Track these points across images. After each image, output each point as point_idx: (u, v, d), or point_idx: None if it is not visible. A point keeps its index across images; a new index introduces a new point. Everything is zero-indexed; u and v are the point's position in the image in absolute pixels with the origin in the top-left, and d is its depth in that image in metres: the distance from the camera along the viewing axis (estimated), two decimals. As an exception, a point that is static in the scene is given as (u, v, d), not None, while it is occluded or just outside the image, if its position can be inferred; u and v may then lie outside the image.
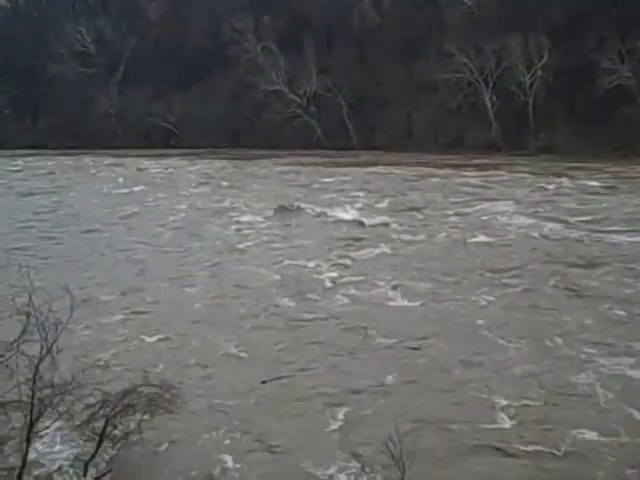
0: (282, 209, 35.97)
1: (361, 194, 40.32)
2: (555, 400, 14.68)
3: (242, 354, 17.84)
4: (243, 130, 74.64)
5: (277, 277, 23.95)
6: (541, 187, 39.40)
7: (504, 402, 14.55)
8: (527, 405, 14.50)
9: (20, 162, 73.44)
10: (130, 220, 37.52)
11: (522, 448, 13.08)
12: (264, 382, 16.28)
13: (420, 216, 33.75)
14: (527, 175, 44.28)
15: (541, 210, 33.05)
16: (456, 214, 33.43)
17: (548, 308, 19.76)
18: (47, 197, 47.61)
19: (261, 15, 77.54)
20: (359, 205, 36.73)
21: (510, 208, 33.53)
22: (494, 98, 60.51)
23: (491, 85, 60.46)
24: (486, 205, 34.73)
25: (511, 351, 17.07)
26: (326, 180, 46.56)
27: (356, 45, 70.99)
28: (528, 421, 13.92)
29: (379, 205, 37.09)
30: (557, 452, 12.90)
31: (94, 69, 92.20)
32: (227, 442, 13.82)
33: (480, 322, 18.82)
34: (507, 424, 13.86)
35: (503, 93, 59.50)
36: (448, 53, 60.42)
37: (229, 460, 13.26)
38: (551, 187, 39.26)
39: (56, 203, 45.11)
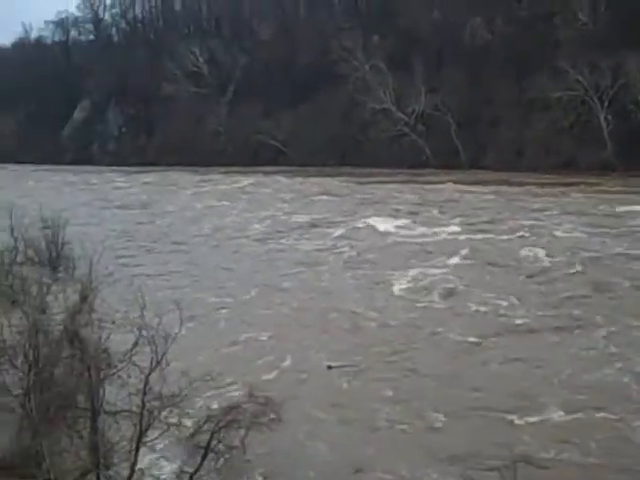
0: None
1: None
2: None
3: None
4: (350, 148, 74.89)
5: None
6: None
7: None
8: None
9: (128, 178, 76.48)
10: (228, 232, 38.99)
11: None
12: (330, 367, 16.69)
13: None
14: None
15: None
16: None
17: None
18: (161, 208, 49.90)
19: (370, 34, 78.02)
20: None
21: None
22: (609, 117, 58.71)
23: (606, 103, 58.70)
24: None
25: None
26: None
27: (466, 63, 70.33)
28: None
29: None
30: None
31: (206, 89, 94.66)
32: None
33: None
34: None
35: (619, 111, 57.68)
36: (561, 70, 59.10)
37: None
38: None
39: (178, 215, 47.68)
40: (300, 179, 66.40)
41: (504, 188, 50.09)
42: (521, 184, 51.28)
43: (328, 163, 73.76)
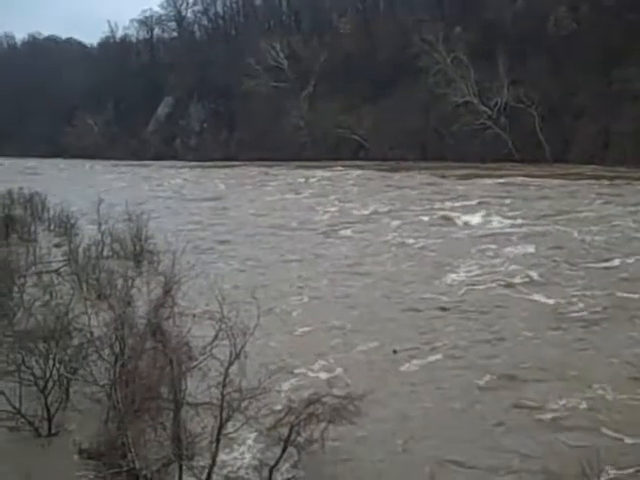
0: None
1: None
2: None
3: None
4: (430, 142, 74.49)
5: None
6: None
7: None
8: None
9: (206, 172, 77.68)
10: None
11: None
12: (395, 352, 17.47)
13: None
14: None
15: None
16: None
17: None
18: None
19: (451, 26, 77.30)
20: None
21: None
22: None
23: (699, 94, 57.02)
24: None
25: None
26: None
27: (550, 54, 68.93)
28: None
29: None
30: None
31: (286, 83, 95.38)
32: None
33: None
34: None
35: None
36: (650, 60, 57.65)
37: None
38: None
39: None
40: (384, 174, 66.27)
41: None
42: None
43: (408, 157, 73.55)
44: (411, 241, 33.10)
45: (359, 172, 68.01)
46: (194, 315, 16.43)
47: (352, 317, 21.96)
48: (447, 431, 14.66)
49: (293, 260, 30.58)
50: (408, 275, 26.79)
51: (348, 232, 36.95)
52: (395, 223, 38.55)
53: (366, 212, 43.21)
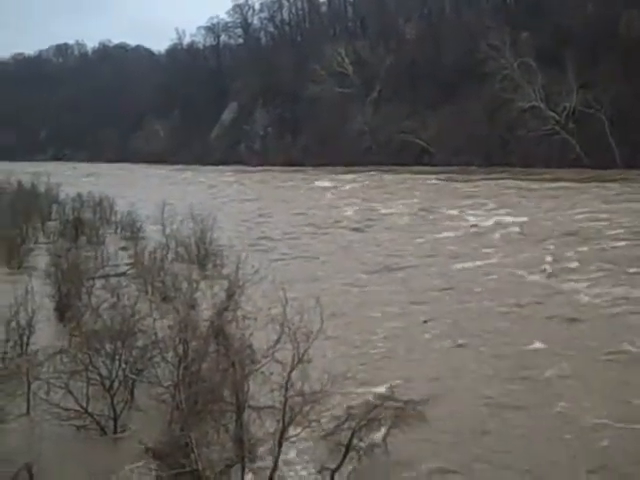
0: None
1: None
2: None
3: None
4: (495, 148, 73.62)
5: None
6: None
7: None
8: None
9: (270, 176, 78.33)
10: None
11: None
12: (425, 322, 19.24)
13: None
14: None
15: None
16: None
17: None
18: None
19: (519, 31, 76.36)
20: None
21: None
22: None
23: None
24: None
25: None
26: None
27: (620, 58, 67.55)
28: None
29: None
30: None
31: (351, 89, 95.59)
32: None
33: None
34: None
35: None
36: None
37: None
38: None
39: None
40: (464, 176, 65.81)
41: None
42: None
43: (473, 163, 72.93)
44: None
45: (433, 179, 67.63)
46: (257, 319, 16.54)
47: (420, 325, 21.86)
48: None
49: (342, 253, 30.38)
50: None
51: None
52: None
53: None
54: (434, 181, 66.85)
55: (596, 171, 60.14)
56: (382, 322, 22.49)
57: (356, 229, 42.62)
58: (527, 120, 70.48)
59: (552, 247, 32.46)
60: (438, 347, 20.02)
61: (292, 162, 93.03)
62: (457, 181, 65.38)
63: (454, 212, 46.08)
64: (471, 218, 43.37)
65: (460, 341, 20.19)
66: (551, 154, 67.74)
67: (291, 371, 12.47)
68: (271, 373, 13.74)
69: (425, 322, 20.66)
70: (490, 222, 41.17)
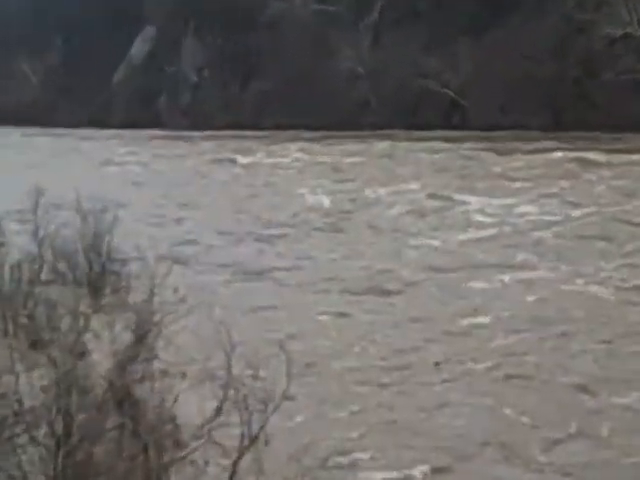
0: None
1: None
2: None
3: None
4: (567, 100, 74.17)
5: None
6: None
7: None
8: None
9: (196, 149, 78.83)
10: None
11: None
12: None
13: None
14: None
15: None
16: None
17: None
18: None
19: None
20: None
21: None
22: None
23: None
24: None
25: None
26: None
27: None
28: None
29: None
30: None
31: (336, 7, 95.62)
32: None
33: None
34: None
35: None
36: None
37: None
38: None
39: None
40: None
41: None
42: None
43: (530, 124, 73.28)
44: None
45: (466, 149, 68.11)
46: (185, 375, 16.66)
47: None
48: None
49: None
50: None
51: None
52: None
53: None
54: (466, 152, 67.28)
55: None
56: (376, 375, 22.75)
57: (331, 227, 43.67)
58: (618, 56, 71.16)
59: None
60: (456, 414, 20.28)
61: (241, 124, 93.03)
62: (501, 153, 65.83)
63: (485, 202, 47.29)
64: (509, 212, 44.49)
65: (507, 411, 20.39)
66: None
67: (238, 459, 12.54)
68: (207, 462, 13.81)
69: (437, 365, 21.84)
70: (536, 217, 42.75)
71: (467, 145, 69.84)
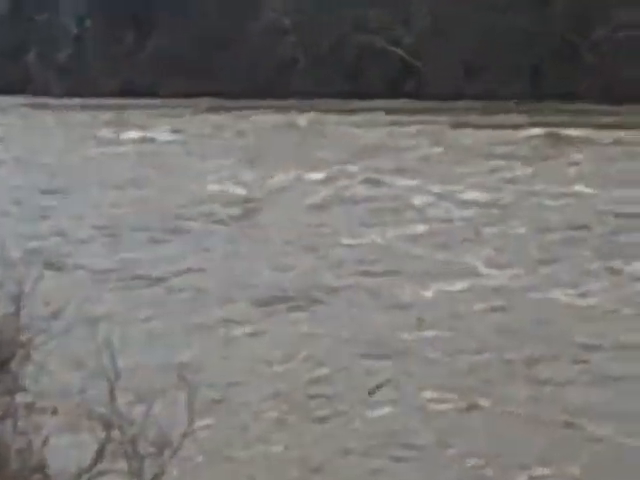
0: None
1: None
2: None
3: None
4: (553, 62, 74.71)
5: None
6: None
7: None
8: None
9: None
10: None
11: None
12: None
13: None
14: None
15: None
16: None
17: None
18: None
19: None
20: None
21: None
22: None
23: None
24: None
25: None
26: None
27: None
28: None
29: None
30: None
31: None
32: None
33: None
34: None
35: None
36: None
37: None
38: None
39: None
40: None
41: None
42: None
43: (505, 93, 73.74)
44: None
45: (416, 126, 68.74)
46: (56, 410, 16.90)
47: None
48: None
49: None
50: None
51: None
52: None
53: None
54: (413, 128, 68.04)
55: None
56: (296, 405, 22.86)
57: (238, 220, 44.21)
58: (613, 6, 71.88)
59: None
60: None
61: (134, 90, 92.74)
62: (458, 129, 67.04)
63: (431, 190, 47.92)
64: (459, 203, 45.27)
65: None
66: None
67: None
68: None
69: (376, 390, 21.64)
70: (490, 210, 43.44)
71: (415, 118, 70.16)
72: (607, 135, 59.44)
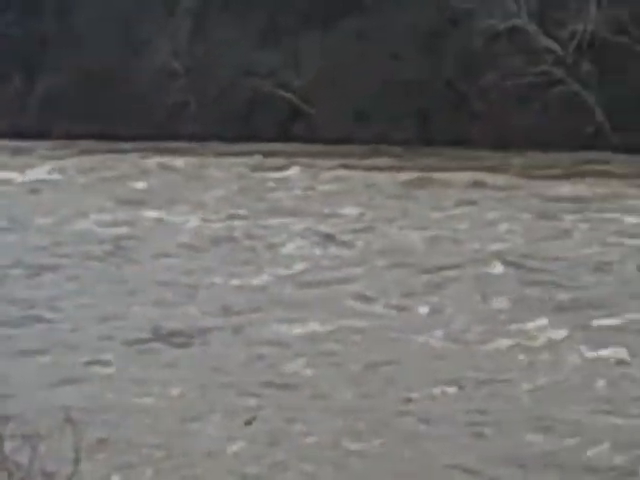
0: None
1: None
2: None
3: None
4: (441, 108, 75.14)
5: None
6: None
7: None
8: None
9: None
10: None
11: None
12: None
13: None
14: None
15: None
16: None
17: None
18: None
19: None
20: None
21: None
22: None
23: None
24: None
25: None
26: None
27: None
28: None
29: None
30: None
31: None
32: None
33: None
34: None
35: None
36: None
37: None
38: None
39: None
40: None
41: None
42: None
43: (392, 137, 74.02)
44: None
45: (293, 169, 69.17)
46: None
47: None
48: None
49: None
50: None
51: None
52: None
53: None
54: (292, 172, 68.54)
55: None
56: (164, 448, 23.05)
57: (110, 258, 43.97)
58: (503, 55, 72.88)
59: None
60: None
61: (23, 131, 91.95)
62: (353, 168, 67.72)
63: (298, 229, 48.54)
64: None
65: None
66: (548, 122, 70.42)
67: None
68: None
69: (250, 421, 21.67)
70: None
71: (298, 160, 70.70)
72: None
